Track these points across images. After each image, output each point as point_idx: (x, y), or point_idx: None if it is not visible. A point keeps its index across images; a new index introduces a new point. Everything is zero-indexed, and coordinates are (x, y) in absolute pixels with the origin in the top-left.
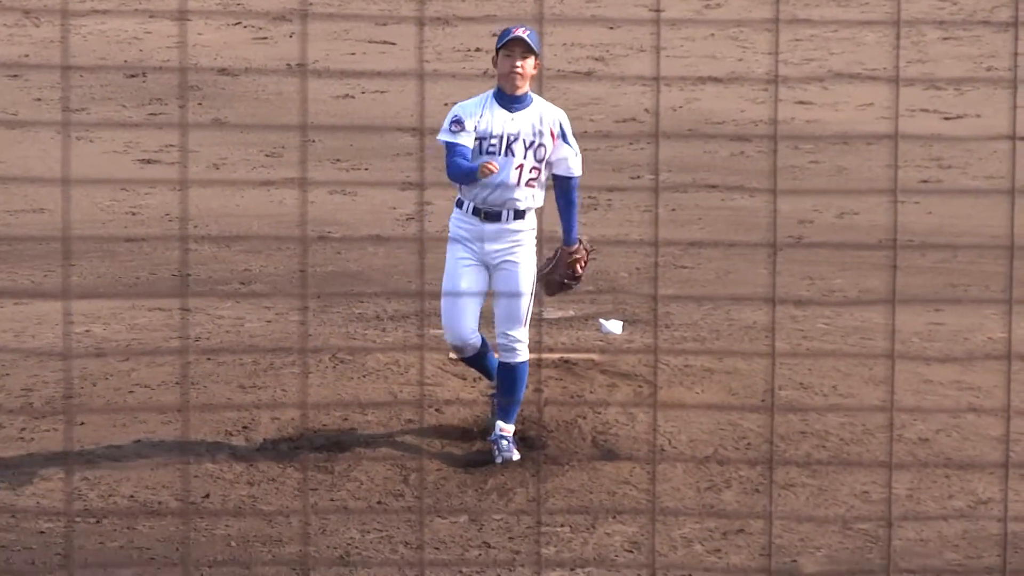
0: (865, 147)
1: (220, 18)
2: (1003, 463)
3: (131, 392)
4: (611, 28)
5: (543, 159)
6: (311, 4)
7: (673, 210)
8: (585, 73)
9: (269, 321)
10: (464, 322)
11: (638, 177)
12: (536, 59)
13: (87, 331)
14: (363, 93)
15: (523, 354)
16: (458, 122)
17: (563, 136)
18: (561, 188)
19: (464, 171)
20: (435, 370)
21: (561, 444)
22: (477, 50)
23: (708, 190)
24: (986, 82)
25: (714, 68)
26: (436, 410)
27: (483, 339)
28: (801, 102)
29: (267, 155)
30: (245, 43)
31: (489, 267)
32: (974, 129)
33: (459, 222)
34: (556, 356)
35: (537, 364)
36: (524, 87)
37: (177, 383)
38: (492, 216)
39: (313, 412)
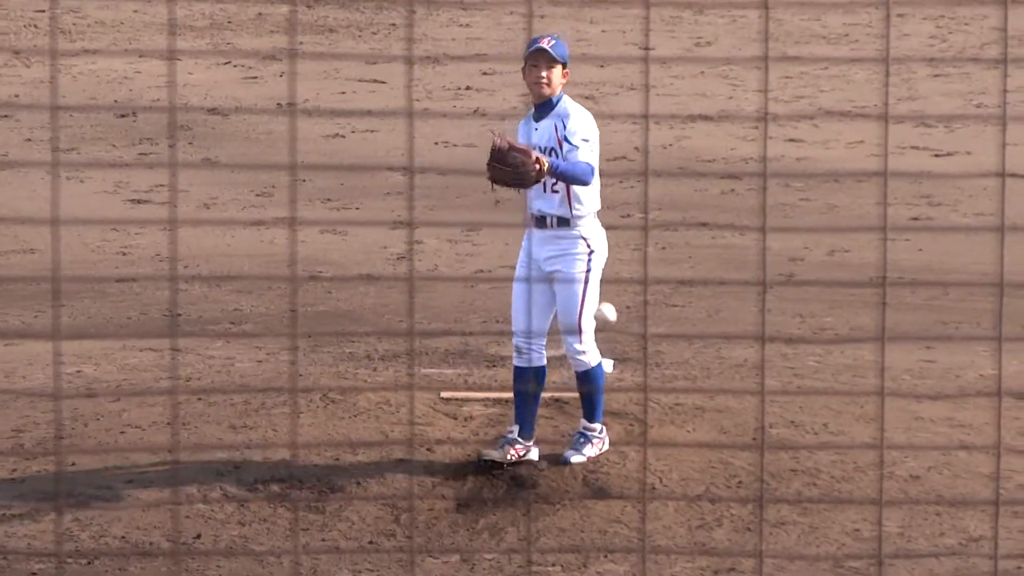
0: (855, 184)
1: (210, 58)
2: (994, 500)
3: (122, 432)
4: (601, 66)
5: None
6: (301, 43)
7: (663, 248)
8: None
9: (260, 361)
10: (522, 323)
11: (628, 215)
12: (563, 68)
13: (78, 371)
14: (353, 132)
15: (591, 358)
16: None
17: (565, 136)
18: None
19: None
20: (426, 409)
21: (552, 483)
22: (467, 88)
23: (698, 228)
24: (976, 119)
25: (704, 106)
26: (427, 449)
27: (544, 374)
28: (791, 139)
29: (257, 195)
30: (235, 82)
31: (548, 278)
32: (964, 166)
33: (526, 236)
34: (548, 395)
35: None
36: (550, 94)
37: (168, 423)
38: (540, 221)
39: (304, 452)
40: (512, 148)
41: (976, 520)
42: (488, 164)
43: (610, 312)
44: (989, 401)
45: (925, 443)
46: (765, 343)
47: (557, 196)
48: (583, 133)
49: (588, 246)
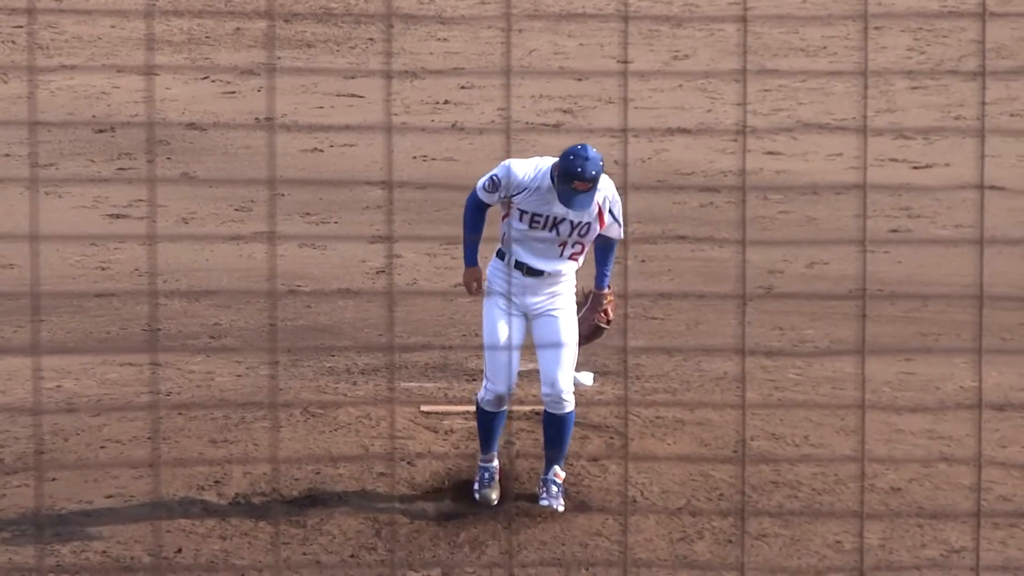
0: (834, 197)
1: (188, 72)
2: (975, 512)
3: (102, 447)
4: (579, 80)
5: (587, 235)
6: (279, 58)
7: (643, 261)
8: (554, 125)
9: (240, 375)
10: (511, 372)
11: None
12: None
13: (58, 387)
14: (331, 147)
15: (571, 404)
16: (494, 184)
17: (611, 210)
18: (602, 241)
19: (464, 236)
20: (406, 423)
21: (533, 497)
22: (445, 103)
23: (678, 241)
24: (954, 131)
25: (683, 119)
26: (408, 463)
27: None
28: (770, 152)
29: (236, 209)
30: (213, 97)
31: (528, 317)
32: (943, 178)
33: (499, 273)
34: (527, 409)
35: (509, 416)
36: None
37: (148, 438)
38: (533, 272)
39: (285, 466)
40: (602, 312)
41: (957, 532)
42: (595, 327)
43: (586, 378)
44: (969, 413)
45: (906, 455)
46: (745, 356)
47: (574, 262)
48: (621, 214)
49: (574, 288)
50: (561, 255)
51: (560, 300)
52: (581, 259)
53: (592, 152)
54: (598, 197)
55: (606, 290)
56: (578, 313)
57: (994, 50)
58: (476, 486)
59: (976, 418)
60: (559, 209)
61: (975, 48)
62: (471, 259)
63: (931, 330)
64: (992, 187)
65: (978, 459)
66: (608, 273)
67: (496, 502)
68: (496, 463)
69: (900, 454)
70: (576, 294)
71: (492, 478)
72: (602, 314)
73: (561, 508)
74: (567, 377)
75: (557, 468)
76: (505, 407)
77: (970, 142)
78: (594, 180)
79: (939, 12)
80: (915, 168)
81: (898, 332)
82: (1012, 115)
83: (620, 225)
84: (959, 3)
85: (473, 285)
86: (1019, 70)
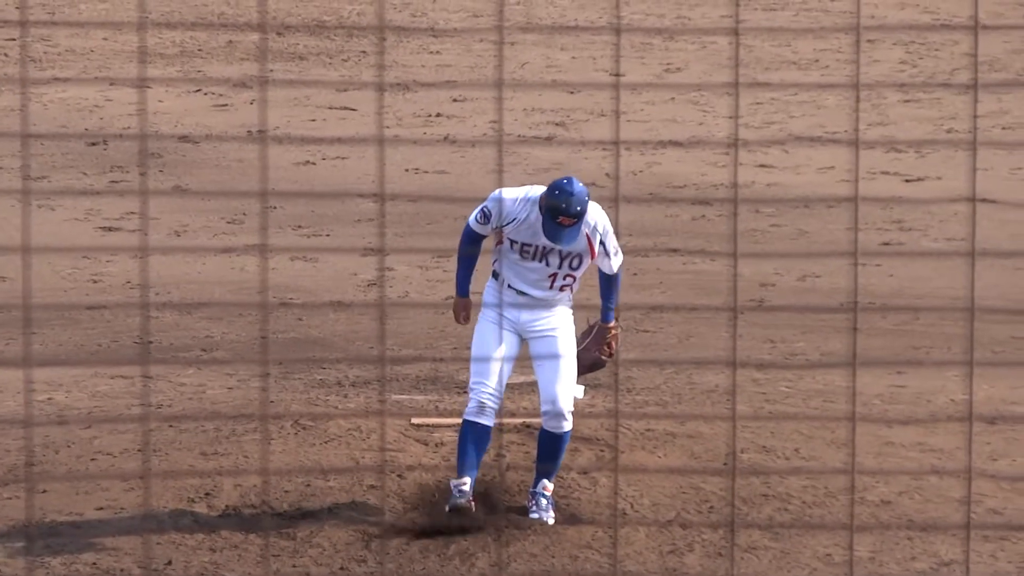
0: (826, 210)
1: (180, 85)
2: (965, 525)
3: (93, 459)
4: (571, 93)
5: (579, 268)
6: (271, 71)
7: (635, 274)
8: (546, 138)
9: (231, 388)
10: (493, 379)
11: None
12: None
13: (49, 399)
14: (324, 159)
15: (570, 423)
16: (486, 216)
17: (602, 242)
18: (603, 275)
19: (458, 269)
20: (397, 435)
21: (523, 509)
22: (437, 115)
23: (669, 254)
24: (946, 144)
25: (675, 132)
26: (398, 475)
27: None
28: (762, 165)
29: (228, 222)
30: (205, 110)
31: (524, 336)
32: (935, 191)
33: (493, 290)
34: (518, 421)
35: (499, 429)
36: None
37: (139, 450)
38: (524, 295)
39: (275, 478)
40: (605, 344)
41: (947, 545)
42: (595, 359)
43: (577, 391)
44: (960, 426)
45: (896, 468)
46: (736, 368)
47: (566, 292)
48: (614, 243)
49: (571, 308)
50: (551, 286)
51: (556, 320)
52: (574, 288)
53: (578, 187)
54: (587, 229)
55: (611, 323)
56: (580, 344)
57: (986, 63)
58: (448, 503)
59: (967, 431)
60: (548, 240)
61: (967, 61)
62: (463, 290)
63: (922, 343)
64: (984, 200)
65: (968, 472)
66: (612, 306)
67: (469, 508)
68: (468, 489)
69: (891, 467)
70: (577, 331)
71: (463, 495)
72: (605, 347)
73: (552, 521)
74: (567, 395)
75: (546, 481)
76: (488, 423)
77: (962, 155)
78: (579, 215)
79: (931, 25)
80: (907, 181)
81: (889, 345)
82: (1004, 128)
83: (610, 257)
84: (951, 16)
85: (462, 315)
86: (1011, 83)
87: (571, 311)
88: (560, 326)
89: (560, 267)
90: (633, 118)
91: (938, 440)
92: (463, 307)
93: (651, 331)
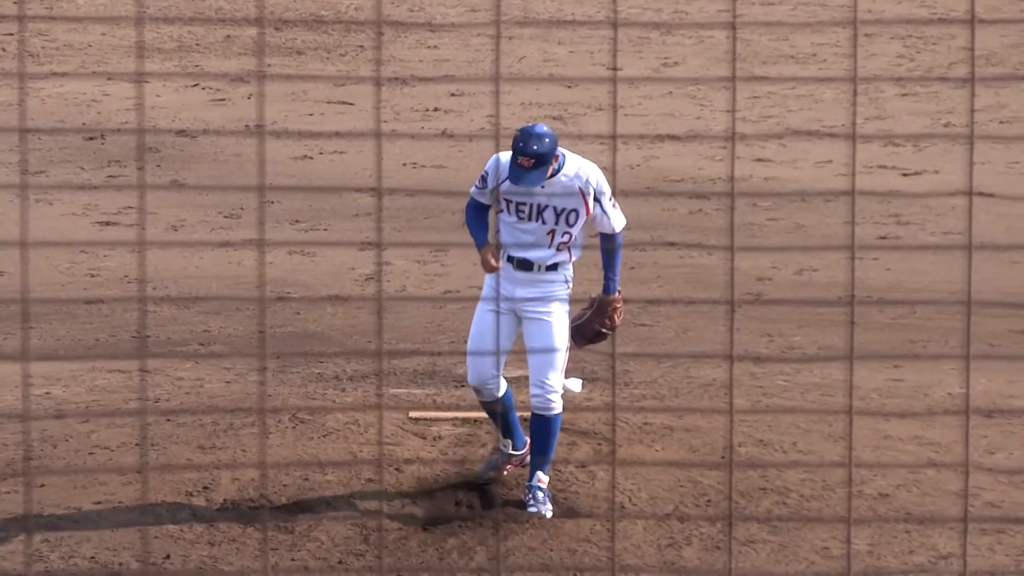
0: (823, 204)
1: (178, 80)
2: (963, 518)
3: (91, 454)
4: (569, 87)
5: (575, 224)
6: (269, 65)
7: (632, 268)
8: None
9: (228, 382)
10: (487, 361)
11: (596, 235)
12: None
13: (47, 393)
14: (321, 154)
15: (558, 406)
16: (483, 179)
17: (596, 198)
18: (603, 240)
19: (471, 233)
20: (394, 429)
21: (521, 502)
22: (435, 110)
23: (667, 248)
24: (944, 138)
25: (672, 126)
26: (396, 469)
27: (509, 393)
28: (759, 159)
29: (226, 216)
30: (203, 104)
31: (520, 318)
32: (932, 185)
33: (492, 285)
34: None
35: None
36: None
37: (137, 444)
38: (524, 265)
39: (273, 472)
40: (607, 316)
41: (945, 538)
42: (598, 331)
43: (575, 385)
44: (957, 419)
45: (893, 461)
46: (733, 362)
47: (565, 252)
48: (609, 197)
49: (567, 282)
50: (550, 244)
51: (552, 305)
52: (573, 254)
53: (539, 129)
54: (579, 183)
55: (614, 295)
56: (582, 316)
57: (983, 57)
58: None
59: (964, 424)
60: (542, 198)
61: (964, 55)
62: (482, 240)
63: (919, 336)
64: (981, 194)
65: (966, 465)
66: (614, 277)
67: (485, 479)
68: (509, 452)
69: (888, 460)
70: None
71: (494, 466)
72: (607, 319)
73: (549, 514)
74: (556, 378)
75: (540, 474)
76: (497, 394)
77: (959, 149)
78: (536, 156)
79: (928, 19)
80: (904, 175)
81: (886, 338)
82: (1001, 122)
83: (609, 217)
84: (948, 10)
85: (490, 260)
86: (1008, 77)
87: (567, 302)
88: (555, 311)
89: (557, 223)
90: (630, 112)
91: (935, 433)
92: (488, 252)
93: (648, 325)
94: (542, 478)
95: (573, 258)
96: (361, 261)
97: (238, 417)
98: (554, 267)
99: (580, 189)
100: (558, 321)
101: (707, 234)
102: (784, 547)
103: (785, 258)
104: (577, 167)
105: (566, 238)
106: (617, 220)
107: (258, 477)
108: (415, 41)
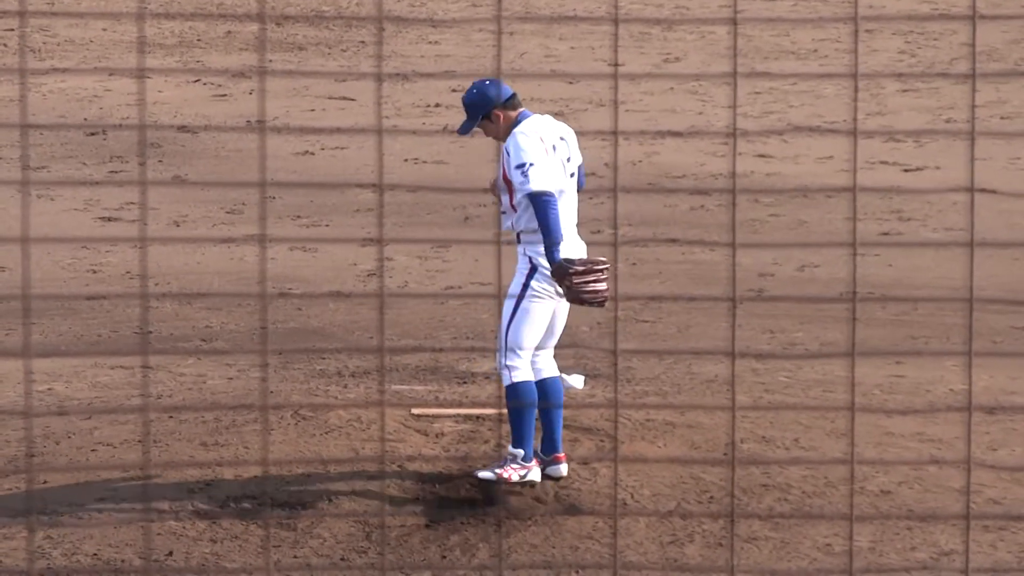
0: (825, 200)
1: (179, 75)
2: (965, 515)
3: (93, 450)
4: (570, 83)
5: (508, 190)
6: (270, 61)
7: (633, 264)
8: None
9: (231, 378)
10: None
11: (598, 232)
12: (483, 118)
13: (49, 389)
14: (323, 149)
15: (507, 378)
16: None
17: (506, 153)
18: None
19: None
20: (397, 426)
21: (523, 499)
22: (436, 105)
23: (668, 244)
24: (945, 134)
25: (673, 122)
26: (398, 466)
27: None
28: (761, 155)
29: (227, 212)
30: (205, 100)
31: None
32: (934, 181)
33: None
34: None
35: (499, 420)
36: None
37: (139, 441)
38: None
39: (275, 469)
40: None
41: (947, 534)
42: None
43: (577, 381)
44: (959, 416)
45: (895, 458)
46: (735, 359)
47: (516, 212)
48: (517, 154)
49: (530, 262)
50: (511, 203)
51: (515, 279)
52: (519, 219)
53: (483, 83)
54: (507, 145)
55: (553, 266)
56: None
57: (985, 53)
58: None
59: (966, 421)
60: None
61: (966, 51)
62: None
63: (921, 333)
64: (983, 190)
65: (968, 462)
66: (548, 246)
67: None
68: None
69: (890, 457)
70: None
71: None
72: (565, 288)
73: (482, 475)
74: (501, 348)
75: (510, 445)
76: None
77: (961, 145)
78: (465, 106)
79: (930, 15)
80: (906, 171)
81: (888, 335)
82: (1003, 118)
83: (517, 167)
84: (950, 6)
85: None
86: (1010, 73)
87: (523, 275)
88: (512, 285)
89: (505, 189)
90: (632, 108)
91: (937, 430)
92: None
93: (650, 321)
94: (511, 450)
95: (523, 225)
96: (363, 257)
97: (240, 413)
98: (518, 239)
99: (505, 149)
100: (510, 293)
101: (709, 230)
102: (786, 544)
103: (787, 254)
104: (519, 130)
105: (508, 198)
106: (522, 181)
107: (260, 474)
108: (416, 37)
